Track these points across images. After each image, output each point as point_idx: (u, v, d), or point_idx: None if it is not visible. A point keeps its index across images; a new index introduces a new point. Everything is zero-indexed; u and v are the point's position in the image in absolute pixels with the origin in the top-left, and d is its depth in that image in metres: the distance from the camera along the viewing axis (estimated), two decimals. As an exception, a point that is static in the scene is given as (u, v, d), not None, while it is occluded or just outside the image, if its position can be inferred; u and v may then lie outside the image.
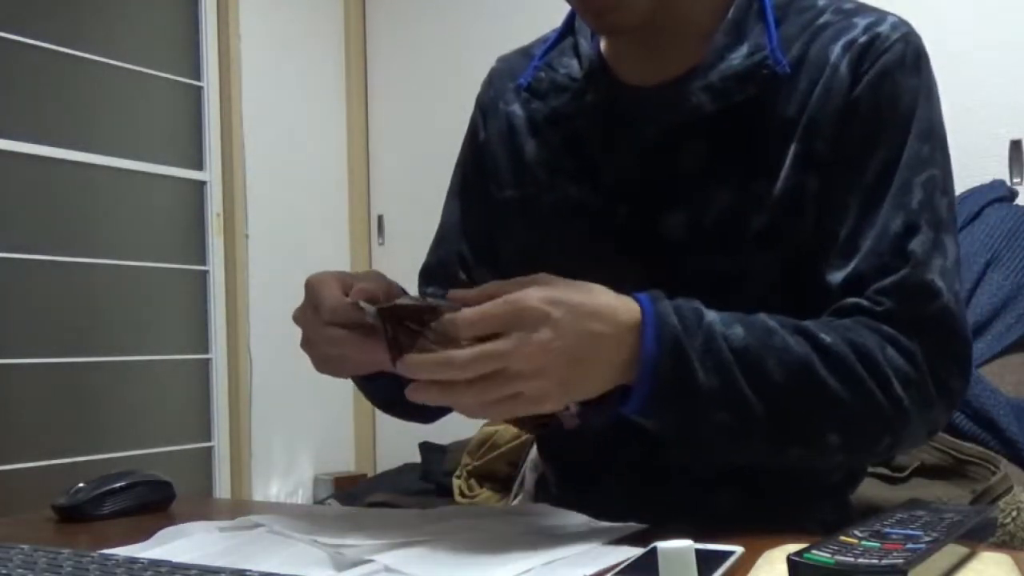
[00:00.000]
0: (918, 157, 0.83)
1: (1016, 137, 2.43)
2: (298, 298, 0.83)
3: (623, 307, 0.74)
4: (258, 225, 3.14)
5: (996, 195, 2.34)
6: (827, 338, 0.77)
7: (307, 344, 0.83)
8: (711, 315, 0.76)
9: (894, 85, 0.84)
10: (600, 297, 0.74)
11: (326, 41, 3.46)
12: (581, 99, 0.93)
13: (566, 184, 0.93)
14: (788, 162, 0.84)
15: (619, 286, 0.88)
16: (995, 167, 2.43)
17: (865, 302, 0.80)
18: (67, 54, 2.66)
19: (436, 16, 3.38)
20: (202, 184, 3.02)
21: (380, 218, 3.51)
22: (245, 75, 3.11)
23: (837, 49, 0.85)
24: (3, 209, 2.52)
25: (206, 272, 3.02)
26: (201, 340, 3.01)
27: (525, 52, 1.04)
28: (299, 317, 0.83)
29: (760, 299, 0.82)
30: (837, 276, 0.83)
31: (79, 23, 2.72)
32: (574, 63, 0.95)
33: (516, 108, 0.99)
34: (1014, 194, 2.38)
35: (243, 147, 3.09)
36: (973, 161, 2.43)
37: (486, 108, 1.04)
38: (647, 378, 0.74)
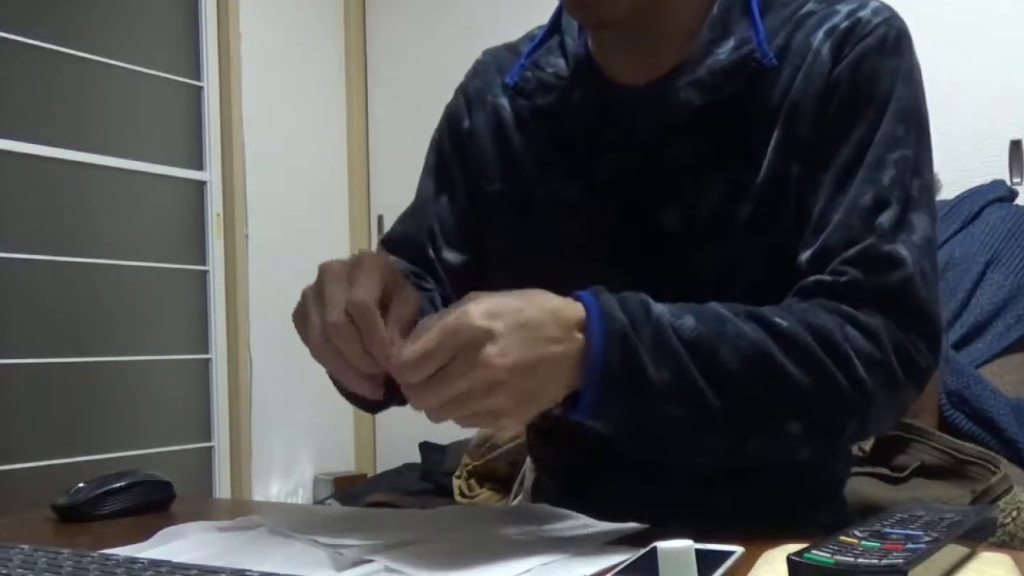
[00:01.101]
0: (892, 136, 0.83)
1: (1016, 137, 2.43)
2: (297, 298, 0.81)
3: (566, 307, 0.72)
4: (258, 225, 3.14)
5: (996, 195, 2.34)
6: (783, 322, 0.75)
7: (306, 329, 0.76)
8: (659, 306, 0.74)
9: (873, 67, 0.84)
10: (540, 299, 0.71)
11: (326, 41, 3.47)
12: (568, 97, 0.93)
13: (557, 182, 0.93)
14: (771, 149, 0.84)
15: (612, 284, 0.88)
16: (995, 167, 2.43)
17: (827, 277, 0.79)
18: (67, 54, 2.66)
19: (436, 16, 3.38)
20: (202, 184, 3.02)
21: (380, 218, 3.51)
22: (245, 75, 3.11)
23: (819, 35, 0.85)
24: (3, 209, 2.52)
25: (206, 272, 3.02)
26: (201, 340, 3.01)
27: (511, 48, 1.03)
28: (305, 307, 0.76)
29: (753, 291, 0.82)
30: (806, 253, 0.82)
31: (79, 23, 2.72)
32: (561, 61, 0.95)
33: (504, 102, 0.98)
34: (1014, 194, 2.38)
35: (243, 147, 3.10)
36: (973, 161, 2.43)
37: (471, 97, 1.02)
38: (596, 376, 0.71)
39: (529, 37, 1.02)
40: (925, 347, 0.79)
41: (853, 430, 0.79)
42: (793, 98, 0.84)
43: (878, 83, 0.84)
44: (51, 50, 2.62)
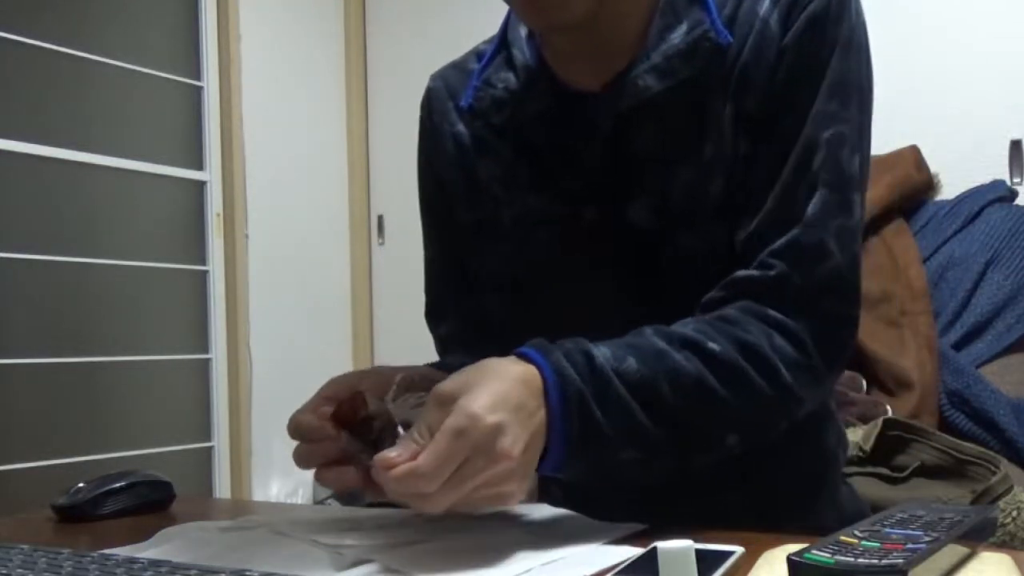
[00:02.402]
0: (826, 114, 0.82)
1: (1016, 137, 2.43)
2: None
3: (527, 372, 0.73)
4: (258, 225, 3.14)
5: (996, 195, 2.34)
6: (715, 347, 0.78)
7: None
8: (600, 353, 0.75)
9: (815, 36, 0.83)
10: (505, 372, 0.72)
11: (326, 41, 3.46)
12: (522, 110, 0.92)
13: (525, 196, 0.92)
14: (727, 125, 0.84)
15: (595, 289, 0.89)
16: (995, 167, 2.43)
17: (756, 272, 0.81)
18: (67, 54, 2.66)
19: (436, 16, 3.38)
20: (202, 184, 3.02)
21: (380, 218, 3.51)
22: (245, 75, 3.11)
23: (766, 4, 0.85)
24: (3, 209, 2.52)
25: (206, 272, 3.02)
26: (201, 340, 3.01)
27: (459, 66, 1.02)
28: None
29: (728, 273, 0.83)
30: (740, 235, 0.83)
31: (79, 23, 2.72)
32: (510, 76, 0.93)
33: (461, 128, 0.98)
34: (1014, 194, 2.38)
35: (243, 147, 3.09)
36: (973, 161, 2.43)
37: (431, 132, 1.02)
38: (560, 441, 0.73)
39: (475, 53, 1.01)
40: (847, 332, 0.83)
41: (784, 426, 0.84)
42: (743, 71, 0.84)
43: (817, 55, 0.83)
44: (51, 50, 2.62)
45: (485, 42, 1.01)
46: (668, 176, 0.86)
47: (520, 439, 0.69)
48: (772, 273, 0.81)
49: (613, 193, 0.88)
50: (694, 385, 0.77)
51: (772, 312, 0.80)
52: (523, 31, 0.95)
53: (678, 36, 0.86)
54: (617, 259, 0.88)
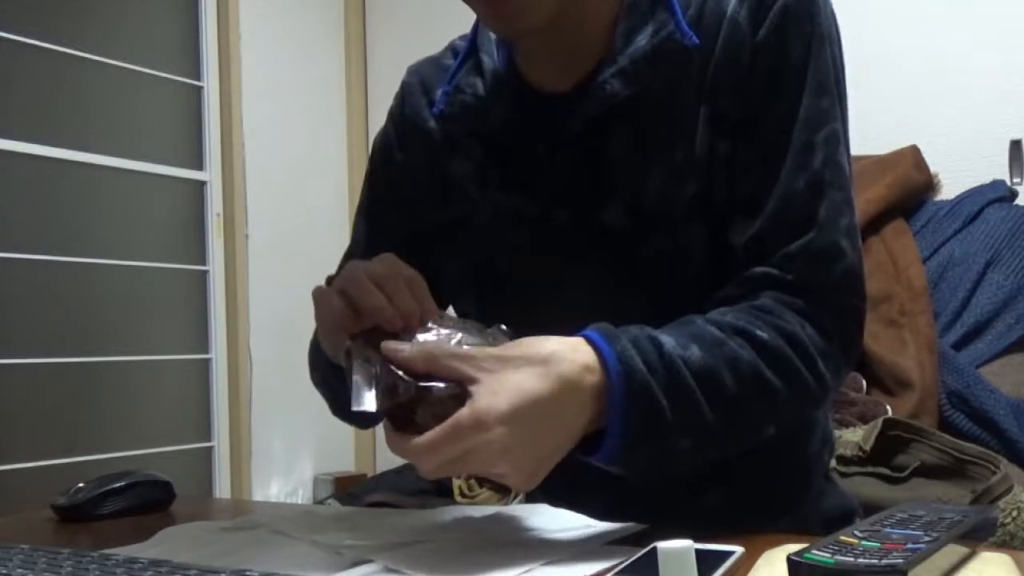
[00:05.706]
0: (817, 113, 0.82)
1: (1016, 137, 2.43)
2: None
3: (582, 375, 0.71)
4: (258, 225, 3.14)
5: (996, 195, 2.34)
6: (764, 335, 0.78)
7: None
8: (667, 340, 0.75)
9: (788, 34, 0.83)
10: (549, 367, 0.71)
11: (326, 41, 3.47)
12: (490, 115, 0.92)
13: (498, 197, 0.92)
14: (700, 126, 0.84)
15: (570, 289, 0.89)
16: (995, 167, 2.43)
17: (774, 270, 0.81)
18: (67, 54, 2.66)
19: (436, 16, 3.38)
20: (202, 184, 3.02)
21: (380, 218, 3.50)
22: (245, 75, 3.11)
23: (732, 3, 0.84)
24: (3, 209, 2.52)
25: (206, 272, 3.02)
26: (201, 340, 3.01)
27: (435, 62, 1.02)
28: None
29: (703, 276, 0.83)
30: (741, 236, 0.83)
31: (79, 23, 2.72)
32: (478, 81, 0.93)
33: (433, 125, 0.97)
34: (1014, 194, 2.38)
35: (243, 147, 3.09)
36: (973, 161, 2.43)
37: (402, 126, 1.01)
38: (619, 432, 0.72)
39: (452, 49, 1.01)
40: (859, 323, 0.84)
41: (812, 413, 0.87)
42: (715, 72, 0.84)
43: (793, 53, 0.83)
44: (51, 50, 2.62)
45: (462, 37, 1.00)
46: (640, 179, 0.85)
47: (520, 451, 0.69)
48: (790, 276, 0.81)
49: (585, 195, 0.88)
50: (751, 373, 0.77)
51: (800, 302, 0.81)
52: (493, 34, 0.95)
53: (644, 38, 0.85)
54: (591, 260, 0.88)
